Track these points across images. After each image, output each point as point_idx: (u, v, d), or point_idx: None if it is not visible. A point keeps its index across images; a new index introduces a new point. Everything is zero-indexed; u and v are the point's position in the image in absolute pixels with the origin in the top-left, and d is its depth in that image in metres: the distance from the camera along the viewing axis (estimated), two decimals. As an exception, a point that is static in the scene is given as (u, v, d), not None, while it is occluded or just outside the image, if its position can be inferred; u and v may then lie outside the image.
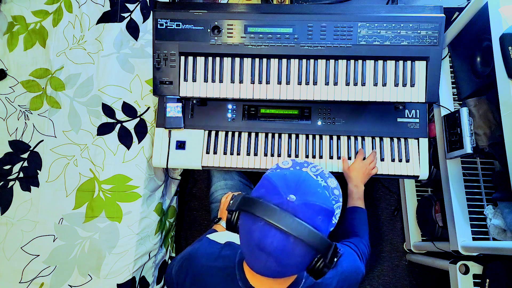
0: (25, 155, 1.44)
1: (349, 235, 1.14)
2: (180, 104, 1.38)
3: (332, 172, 1.35)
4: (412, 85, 1.23)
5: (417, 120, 1.37)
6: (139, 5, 1.56)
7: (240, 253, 0.88)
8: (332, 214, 0.76)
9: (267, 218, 0.67)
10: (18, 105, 1.48)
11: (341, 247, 1.01)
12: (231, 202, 0.77)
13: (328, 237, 0.72)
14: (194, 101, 1.40)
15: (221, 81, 1.28)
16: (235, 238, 0.86)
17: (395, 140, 1.38)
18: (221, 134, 1.42)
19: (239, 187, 1.42)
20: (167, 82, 1.28)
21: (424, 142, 1.37)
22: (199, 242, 1.01)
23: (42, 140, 1.44)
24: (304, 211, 0.69)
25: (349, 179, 1.29)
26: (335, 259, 0.70)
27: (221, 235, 1.05)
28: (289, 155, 1.39)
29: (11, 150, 1.45)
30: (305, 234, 0.67)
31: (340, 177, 1.38)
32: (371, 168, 1.31)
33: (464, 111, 1.24)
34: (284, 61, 1.26)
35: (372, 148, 1.38)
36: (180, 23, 1.23)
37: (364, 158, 1.33)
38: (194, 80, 1.28)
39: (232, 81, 1.27)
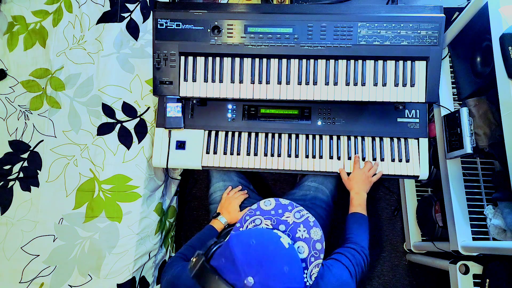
0: (25, 155, 1.44)
1: (346, 241, 1.13)
2: (180, 104, 1.38)
3: (332, 172, 1.37)
4: (412, 85, 1.23)
5: (417, 120, 1.37)
6: (139, 5, 1.56)
7: None
8: None
9: None
10: (18, 105, 1.48)
11: (332, 263, 0.97)
12: (194, 260, 0.72)
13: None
14: (194, 101, 1.40)
15: (221, 81, 1.28)
16: None
17: (395, 140, 1.38)
18: (221, 134, 1.42)
19: (238, 188, 1.42)
20: (167, 82, 1.28)
21: (424, 142, 1.37)
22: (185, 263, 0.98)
23: (42, 140, 1.44)
24: None
25: (350, 188, 1.29)
26: None
27: None
28: (289, 155, 1.39)
29: (11, 150, 1.45)
30: None
31: (340, 183, 1.39)
32: (371, 175, 1.31)
33: (464, 111, 1.24)
34: (284, 61, 1.26)
35: (373, 148, 1.38)
36: (180, 23, 1.23)
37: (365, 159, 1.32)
38: (194, 80, 1.28)
39: (232, 81, 1.27)
